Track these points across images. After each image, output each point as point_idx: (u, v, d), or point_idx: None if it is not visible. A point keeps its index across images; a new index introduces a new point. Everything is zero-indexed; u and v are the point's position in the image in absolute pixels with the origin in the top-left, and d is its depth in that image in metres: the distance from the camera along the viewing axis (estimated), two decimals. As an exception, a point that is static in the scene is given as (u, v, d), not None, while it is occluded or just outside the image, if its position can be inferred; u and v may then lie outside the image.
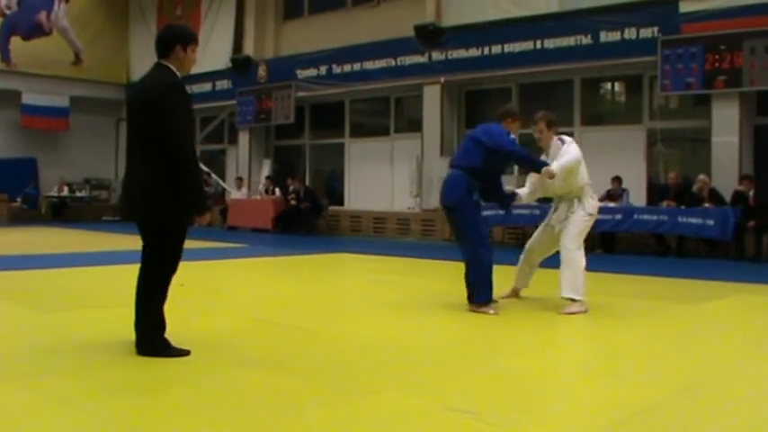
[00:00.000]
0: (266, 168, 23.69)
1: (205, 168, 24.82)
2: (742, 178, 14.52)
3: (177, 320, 5.81)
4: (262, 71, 23.32)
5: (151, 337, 5.43)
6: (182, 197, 5.29)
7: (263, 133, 24.36)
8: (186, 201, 5.32)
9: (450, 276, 12.38)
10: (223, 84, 24.45)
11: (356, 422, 4.08)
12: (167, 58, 5.44)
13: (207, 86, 24.68)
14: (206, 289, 9.47)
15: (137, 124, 5.39)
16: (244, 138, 24.24)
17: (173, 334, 5.57)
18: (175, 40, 5.47)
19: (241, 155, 24.35)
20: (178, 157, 5.20)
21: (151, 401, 4.42)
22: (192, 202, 5.37)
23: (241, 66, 23.67)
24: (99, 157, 27.86)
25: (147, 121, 5.25)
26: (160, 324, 5.46)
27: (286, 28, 23.67)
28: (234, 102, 24.00)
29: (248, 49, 23.77)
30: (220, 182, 25.00)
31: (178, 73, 5.43)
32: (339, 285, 11.26)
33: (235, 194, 23.45)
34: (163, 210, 5.30)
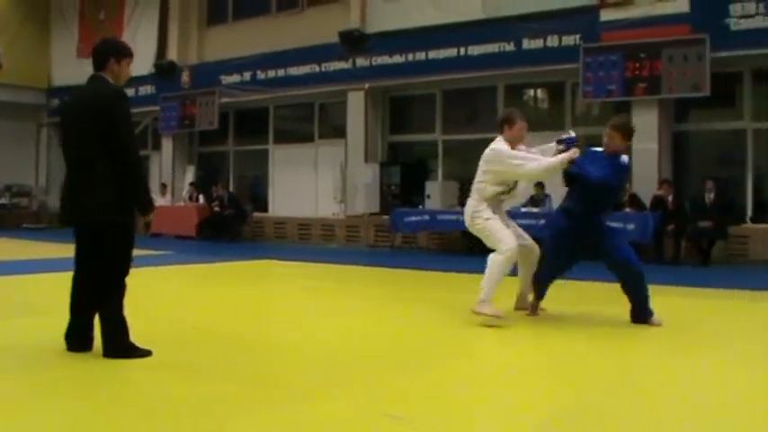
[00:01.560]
0: (190, 175, 23.04)
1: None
2: (661, 183, 14.56)
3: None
4: (185, 77, 22.73)
5: (118, 340, 5.46)
6: (127, 197, 5.38)
7: (186, 139, 23.72)
8: (132, 201, 5.43)
9: (375, 282, 12.28)
10: (146, 89, 23.66)
11: (286, 429, 4.02)
12: (102, 70, 5.52)
13: (130, 92, 23.62)
14: (130, 297, 9.11)
15: (82, 130, 5.40)
16: (167, 144, 23.56)
17: (98, 344, 5.54)
18: (109, 53, 5.56)
19: (164, 161, 23.64)
20: (128, 160, 5.31)
21: (77, 407, 4.33)
22: (139, 202, 5.47)
23: (165, 71, 22.99)
24: (20, 164, 26.70)
25: (95, 127, 5.30)
26: (123, 326, 5.48)
27: (210, 33, 23.06)
28: (157, 107, 23.24)
29: (172, 54, 23.09)
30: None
31: (114, 83, 5.53)
32: (265, 292, 11.03)
33: (158, 201, 22.79)
34: (110, 210, 5.36)
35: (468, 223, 7.85)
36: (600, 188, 7.32)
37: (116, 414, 4.21)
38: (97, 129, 5.32)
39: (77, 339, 5.63)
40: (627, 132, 7.74)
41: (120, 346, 5.46)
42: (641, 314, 7.27)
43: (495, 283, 7.25)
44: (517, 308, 8.00)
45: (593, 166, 7.32)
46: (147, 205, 5.57)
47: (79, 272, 5.68)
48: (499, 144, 7.70)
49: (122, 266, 5.58)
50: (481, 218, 7.67)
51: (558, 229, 7.98)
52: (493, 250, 7.50)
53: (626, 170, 7.72)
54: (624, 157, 7.59)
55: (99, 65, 5.54)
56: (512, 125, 7.72)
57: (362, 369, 5.49)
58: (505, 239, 7.47)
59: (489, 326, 7.04)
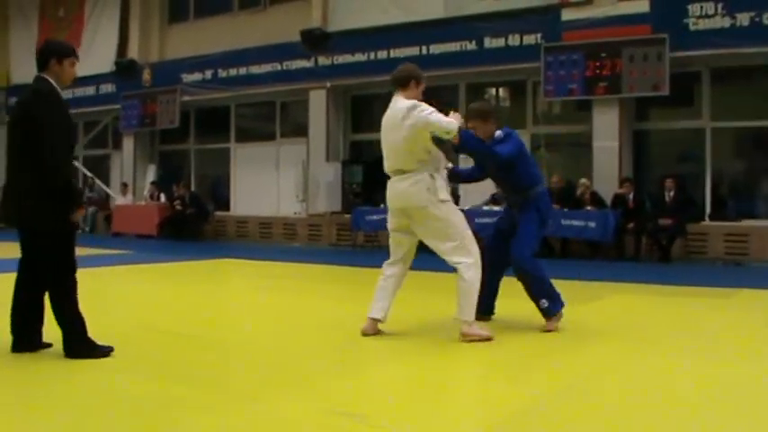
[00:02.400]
0: (151, 174, 22.66)
1: (89, 174, 23.91)
2: (623, 181, 14.57)
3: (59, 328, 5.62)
4: (146, 75, 22.35)
5: (78, 340, 5.43)
6: (56, 199, 5.31)
7: (147, 138, 23.28)
8: (61, 202, 5.35)
9: (334, 280, 12.18)
10: (107, 87, 23.26)
11: (238, 429, 3.96)
12: (45, 71, 5.50)
13: (90, 90, 23.58)
14: (89, 296, 8.91)
15: (14, 132, 5.45)
16: (128, 143, 23.12)
17: (54, 339, 5.51)
18: (50, 53, 5.53)
19: (125, 160, 23.20)
20: (49, 163, 5.26)
21: (28, 408, 4.25)
22: (64, 202, 5.36)
23: (125, 69, 22.55)
24: (-22, 163, 26.41)
25: (22, 128, 5.36)
26: (81, 325, 5.45)
27: (171, 31, 22.67)
28: (118, 106, 22.80)
29: (133, 52, 22.67)
30: (104, 187, 24.00)
31: (56, 84, 5.48)
32: (225, 291, 10.92)
33: (119, 200, 22.48)
34: (44, 213, 5.33)
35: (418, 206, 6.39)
36: (508, 163, 6.78)
37: (67, 416, 4.10)
38: (23, 130, 5.36)
39: (20, 340, 5.55)
40: (480, 114, 7.03)
41: (83, 346, 5.43)
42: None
43: (475, 299, 6.34)
44: None
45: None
46: (73, 206, 5.44)
47: (21, 272, 5.61)
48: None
49: (63, 267, 5.47)
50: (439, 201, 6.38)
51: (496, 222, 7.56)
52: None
53: (516, 137, 6.98)
54: (499, 132, 6.94)
55: (41, 66, 5.53)
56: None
57: (317, 367, 5.43)
58: (472, 238, 6.48)
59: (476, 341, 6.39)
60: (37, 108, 5.37)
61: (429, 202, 6.26)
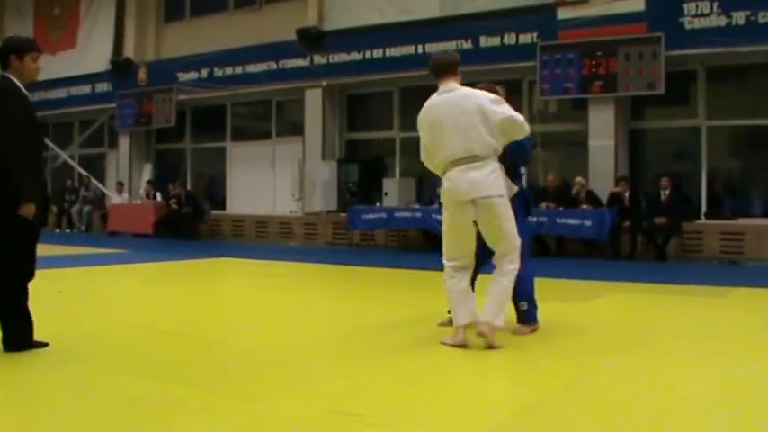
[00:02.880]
0: (147, 173, 22.59)
1: (84, 173, 23.86)
2: (619, 180, 14.55)
3: (55, 327, 5.84)
4: (142, 74, 22.26)
5: (19, 335, 5.41)
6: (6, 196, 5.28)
7: (143, 137, 23.21)
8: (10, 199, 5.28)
9: (330, 279, 12.16)
10: (103, 86, 23.20)
11: (236, 428, 3.91)
12: (7, 69, 5.46)
13: (86, 89, 23.55)
14: (85, 296, 9.02)
15: None
16: (124, 142, 23.04)
17: (51, 341, 5.58)
18: (8, 50, 5.49)
19: (121, 159, 23.12)
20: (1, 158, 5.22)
21: (23, 409, 4.22)
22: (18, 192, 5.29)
23: (121, 68, 22.45)
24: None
25: None
26: (28, 321, 5.45)
27: (167, 30, 22.62)
28: (114, 105, 22.73)
29: (128, 51, 22.58)
30: (100, 186, 23.94)
31: (18, 81, 5.42)
32: (221, 290, 10.89)
33: (115, 199, 22.44)
34: None
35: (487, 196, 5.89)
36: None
37: (64, 416, 4.08)
38: None
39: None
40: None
41: (23, 341, 5.45)
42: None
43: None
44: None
45: None
46: (26, 196, 5.32)
47: None
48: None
49: (22, 266, 5.44)
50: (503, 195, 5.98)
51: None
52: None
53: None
54: None
55: (2, 65, 5.49)
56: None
57: (314, 367, 5.40)
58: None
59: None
60: None
61: (504, 193, 5.91)
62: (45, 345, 5.55)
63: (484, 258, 6.23)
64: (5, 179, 5.25)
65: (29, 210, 5.32)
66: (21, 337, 5.42)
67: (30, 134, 5.47)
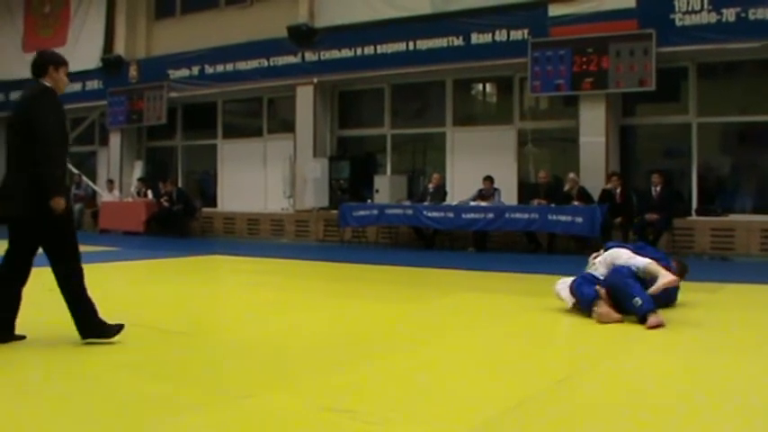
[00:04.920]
0: (138, 170, 22.50)
1: (75, 170, 23.76)
2: (610, 175, 14.53)
3: (46, 325, 5.95)
4: (133, 71, 22.17)
5: (91, 321, 5.72)
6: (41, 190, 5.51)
7: (134, 134, 23.08)
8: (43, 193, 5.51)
9: (322, 276, 12.14)
10: (93, 84, 23.07)
11: (229, 426, 3.90)
12: (43, 78, 5.76)
13: (76, 86, 23.33)
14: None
15: (13, 128, 5.70)
16: (115, 139, 22.92)
17: (41, 340, 5.70)
18: (48, 61, 5.84)
19: (112, 156, 23.00)
20: (37, 146, 5.50)
21: (19, 407, 4.21)
22: (46, 186, 5.52)
23: (112, 65, 22.35)
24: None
25: (22, 124, 5.59)
26: (92, 307, 5.75)
27: (158, 27, 22.50)
28: (105, 102, 22.63)
29: (119, 48, 22.46)
30: (91, 184, 23.85)
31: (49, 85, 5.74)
32: (213, 288, 10.85)
33: (106, 197, 22.37)
34: (32, 203, 5.53)
35: None
36: None
37: (56, 413, 4.07)
38: (21, 123, 5.60)
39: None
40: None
41: (96, 328, 5.76)
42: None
43: None
44: None
45: None
46: (55, 191, 5.57)
47: (2, 267, 5.83)
48: None
49: (71, 256, 5.83)
50: None
51: None
52: None
53: None
54: None
55: (39, 73, 5.79)
56: None
57: (306, 364, 5.37)
58: None
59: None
60: (35, 110, 5.58)
61: None
62: (22, 337, 5.75)
63: None
64: (40, 174, 5.52)
65: (59, 203, 5.55)
66: (93, 324, 5.74)
67: (63, 134, 5.80)
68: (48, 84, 5.77)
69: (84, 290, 5.77)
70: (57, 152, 5.64)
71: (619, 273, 7.02)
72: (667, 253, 8.09)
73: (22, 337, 5.75)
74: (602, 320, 6.73)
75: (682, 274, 7.63)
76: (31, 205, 5.55)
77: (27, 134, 5.55)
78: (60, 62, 5.94)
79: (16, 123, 5.69)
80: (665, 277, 6.87)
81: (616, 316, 6.77)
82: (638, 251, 7.49)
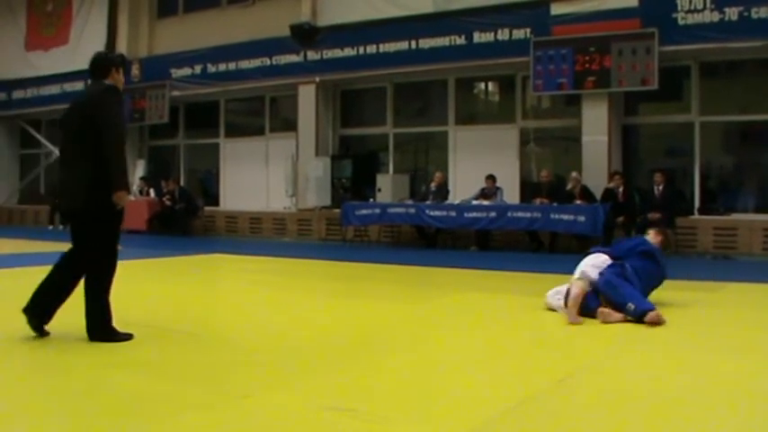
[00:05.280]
0: (140, 169, 22.50)
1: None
2: (613, 174, 14.52)
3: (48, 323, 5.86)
4: (135, 70, 22.15)
5: (102, 325, 5.83)
6: (107, 188, 5.72)
7: (137, 133, 23.06)
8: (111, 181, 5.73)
9: (324, 275, 12.13)
10: (95, 83, 23.25)
11: (229, 426, 3.89)
12: (106, 79, 5.99)
13: (79, 85, 23.25)
14: (77, 293, 8.91)
15: (76, 126, 5.84)
16: (117, 138, 23.06)
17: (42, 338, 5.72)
18: (111, 63, 6.09)
19: (115, 155, 23.14)
20: (106, 142, 5.69)
21: (18, 403, 4.25)
22: (114, 182, 5.74)
23: (114, 64, 22.53)
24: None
25: (86, 121, 5.73)
26: (108, 312, 5.90)
27: (160, 26, 22.51)
28: (107, 101, 22.79)
29: (121, 47, 22.34)
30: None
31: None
32: (215, 287, 10.86)
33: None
34: (95, 198, 5.74)
35: None
36: None
37: (58, 411, 4.07)
38: (85, 120, 5.75)
39: (33, 310, 5.89)
40: None
41: (105, 331, 5.87)
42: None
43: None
44: None
45: None
46: (121, 185, 5.81)
47: (65, 257, 6.07)
48: None
49: (104, 251, 6.00)
50: None
51: None
52: None
53: None
54: None
55: (101, 74, 6.00)
56: None
57: (307, 363, 5.37)
58: None
59: None
60: (104, 102, 5.80)
61: None
62: (47, 334, 5.87)
63: None
64: (107, 168, 5.72)
65: (123, 197, 5.84)
66: (105, 329, 5.86)
67: (125, 133, 6.16)
68: (110, 83, 5.97)
69: (105, 293, 5.93)
70: (123, 149, 5.90)
71: (604, 284, 7.15)
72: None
73: (47, 334, 5.86)
74: (606, 320, 6.79)
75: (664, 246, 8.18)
76: (92, 199, 5.75)
77: (92, 132, 5.70)
78: (121, 63, 6.22)
79: (80, 121, 5.81)
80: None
81: (618, 315, 6.82)
82: (612, 251, 7.78)
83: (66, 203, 6.04)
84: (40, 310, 5.83)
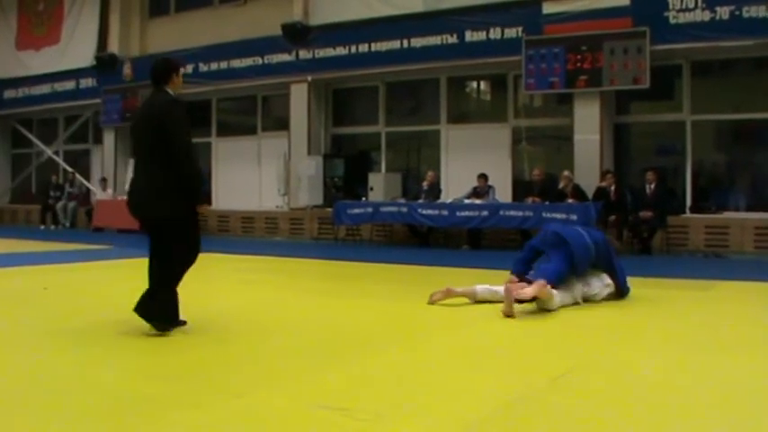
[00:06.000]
0: (132, 168, 22.57)
1: (69, 169, 23.76)
2: (605, 173, 14.52)
3: (41, 323, 6.07)
4: (127, 69, 22.14)
5: (165, 314, 6.15)
6: (184, 193, 6.04)
7: (128, 133, 23.19)
8: (187, 196, 6.08)
9: (316, 274, 12.12)
10: (87, 82, 23.03)
11: (223, 425, 3.86)
12: (167, 84, 6.24)
13: (70, 85, 23.43)
14: (70, 292, 8.93)
15: (147, 136, 6.07)
16: (109, 137, 22.91)
17: (41, 339, 5.74)
18: (172, 69, 6.32)
19: (106, 155, 22.98)
20: (180, 160, 5.94)
21: (12, 403, 4.21)
22: (191, 197, 6.09)
23: (106, 64, 22.29)
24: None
25: (155, 132, 5.95)
26: (174, 301, 6.25)
27: (152, 25, 22.47)
28: (99, 100, 22.58)
29: (113, 46, 22.42)
30: (85, 182, 23.84)
31: (173, 93, 6.25)
32: (207, 286, 10.75)
33: (99, 195, 22.33)
34: (176, 205, 6.02)
35: None
36: None
37: (51, 412, 4.05)
38: (156, 135, 5.97)
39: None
40: None
41: (167, 320, 6.17)
42: None
43: None
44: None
45: None
46: (195, 198, 6.18)
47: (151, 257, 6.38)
48: None
49: (191, 253, 6.31)
50: None
51: None
52: None
53: None
54: None
55: (163, 80, 6.23)
56: None
57: (300, 362, 5.34)
58: None
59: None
60: (170, 116, 6.01)
61: None
62: (183, 323, 6.30)
63: None
64: (186, 180, 6.01)
65: (204, 208, 6.35)
66: (164, 312, 6.13)
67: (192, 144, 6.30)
68: (170, 90, 6.20)
69: (173, 283, 6.27)
70: (197, 163, 6.22)
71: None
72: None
73: (184, 323, 6.32)
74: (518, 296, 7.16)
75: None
76: (177, 206, 6.04)
77: (163, 144, 5.94)
78: (179, 67, 6.43)
79: (152, 133, 6.00)
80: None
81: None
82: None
83: (149, 211, 6.18)
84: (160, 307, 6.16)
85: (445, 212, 15.14)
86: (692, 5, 14.01)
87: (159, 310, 6.09)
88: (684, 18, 14.11)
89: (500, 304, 7.21)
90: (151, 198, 6.07)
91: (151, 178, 6.06)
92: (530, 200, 14.87)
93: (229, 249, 15.24)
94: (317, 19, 18.52)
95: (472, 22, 16.26)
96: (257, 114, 20.78)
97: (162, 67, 6.32)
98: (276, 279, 11.07)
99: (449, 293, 7.80)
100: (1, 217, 25.86)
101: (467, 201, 15.34)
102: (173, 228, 6.12)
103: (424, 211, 15.35)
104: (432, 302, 7.71)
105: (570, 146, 15.40)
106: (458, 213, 14.99)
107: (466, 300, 7.80)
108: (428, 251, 15.24)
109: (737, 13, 13.63)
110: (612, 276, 8.12)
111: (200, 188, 6.29)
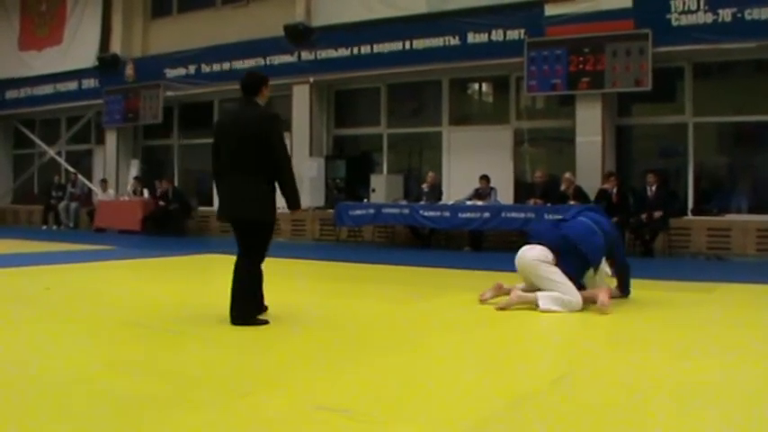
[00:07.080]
0: (134, 169, 22.46)
1: (71, 169, 23.76)
2: (607, 175, 14.49)
3: (43, 324, 6.09)
4: (129, 70, 22.15)
5: (248, 311, 6.67)
6: (274, 199, 6.68)
7: (130, 133, 23.08)
8: (288, 201, 6.66)
9: (320, 276, 12.10)
10: (89, 83, 23.06)
11: (225, 425, 3.86)
12: (257, 96, 6.70)
13: (72, 85, 23.44)
14: (72, 293, 8.92)
15: (246, 146, 6.49)
16: (111, 138, 22.92)
17: (41, 338, 5.75)
18: (262, 82, 6.77)
19: (108, 155, 22.98)
20: (282, 170, 6.56)
21: (12, 403, 4.18)
22: (290, 203, 6.65)
23: (108, 64, 22.31)
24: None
25: (258, 143, 6.44)
26: (255, 304, 6.83)
27: (154, 26, 22.50)
28: (101, 101, 22.57)
29: (115, 47, 22.45)
30: (87, 183, 23.84)
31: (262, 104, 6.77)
32: (209, 287, 10.77)
33: (101, 196, 22.34)
34: (269, 209, 6.66)
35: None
36: None
37: (52, 412, 4.03)
38: (258, 144, 6.44)
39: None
40: None
41: (250, 316, 6.67)
42: None
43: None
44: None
45: None
46: (294, 202, 6.67)
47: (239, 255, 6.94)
48: None
49: (265, 254, 6.92)
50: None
51: None
52: None
53: None
54: None
55: (253, 92, 6.68)
56: None
57: (301, 363, 5.32)
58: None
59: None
60: (274, 130, 6.51)
61: None
62: (266, 322, 6.69)
63: None
64: (287, 188, 6.60)
65: (298, 213, 7.00)
66: (248, 315, 6.63)
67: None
68: (260, 102, 6.68)
69: (254, 286, 6.87)
70: (293, 173, 6.65)
71: None
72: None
73: (265, 309, 6.96)
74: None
75: None
76: (267, 211, 6.64)
77: (263, 155, 6.45)
78: (268, 80, 6.88)
79: (254, 142, 6.44)
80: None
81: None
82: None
83: (244, 213, 6.67)
84: (252, 307, 6.75)
85: (447, 214, 15.13)
86: (694, 7, 14.00)
87: (251, 309, 6.71)
88: (687, 20, 14.10)
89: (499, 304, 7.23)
90: (254, 203, 6.57)
91: (254, 185, 6.54)
92: (532, 202, 14.87)
93: (231, 250, 15.17)
94: (319, 20, 18.52)
95: (474, 24, 16.26)
96: (259, 116, 20.70)
97: (253, 80, 6.77)
98: (277, 280, 10.97)
99: (499, 290, 7.90)
100: (3, 217, 25.86)
101: (468, 202, 15.33)
102: (268, 230, 6.76)
103: (426, 213, 15.34)
104: (483, 301, 7.81)
105: (572, 148, 15.39)
106: (459, 215, 14.98)
107: (467, 302, 7.79)
108: (429, 253, 15.23)
109: (740, 15, 13.62)
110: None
111: (298, 195, 6.71)
